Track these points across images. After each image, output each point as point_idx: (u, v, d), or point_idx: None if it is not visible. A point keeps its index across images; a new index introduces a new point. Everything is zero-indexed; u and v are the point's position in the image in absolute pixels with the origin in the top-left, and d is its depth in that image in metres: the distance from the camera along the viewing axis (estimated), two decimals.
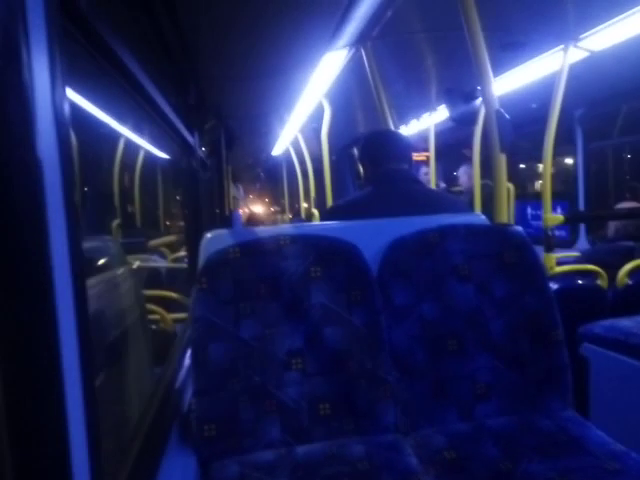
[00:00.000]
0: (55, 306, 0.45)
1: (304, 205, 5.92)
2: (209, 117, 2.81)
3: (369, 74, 2.21)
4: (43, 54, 0.45)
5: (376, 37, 2.04)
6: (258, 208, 10.84)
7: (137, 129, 3.27)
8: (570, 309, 1.76)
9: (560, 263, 2.33)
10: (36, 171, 0.43)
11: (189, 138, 1.88)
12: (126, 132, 3.22)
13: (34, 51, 0.43)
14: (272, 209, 10.08)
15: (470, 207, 2.90)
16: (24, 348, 0.43)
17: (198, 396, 1.06)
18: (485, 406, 1.16)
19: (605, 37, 2.07)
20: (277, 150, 6.08)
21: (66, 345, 0.46)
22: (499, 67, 2.44)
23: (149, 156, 4.20)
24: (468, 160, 3.55)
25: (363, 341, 1.13)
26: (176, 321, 2.21)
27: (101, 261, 1.02)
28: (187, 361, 1.39)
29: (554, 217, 2.26)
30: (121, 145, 3.41)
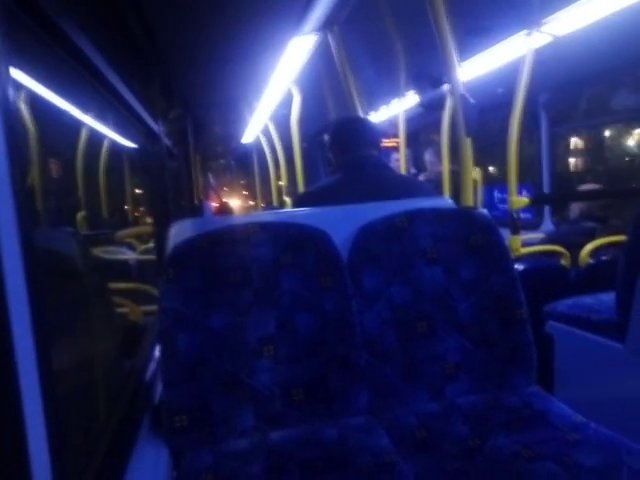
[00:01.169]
0: (6, 300, 0.44)
1: (275, 193, 5.88)
2: (175, 105, 2.74)
3: (337, 60, 2.20)
4: None
5: (343, 22, 2.03)
6: (234, 201, 10.28)
7: (101, 118, 3.16)
8: (535, 289, 1.81)
9: (526, 245, 2.39)
10: None
11: (154, 126, 1.84)
12: (89, 121, 3.11)
13: None
14: (251, 202, 9.42)
15: (436, 192, 2.94)
16: None
17: (168, 387, 1.05)
18: (455, 385, 1.19)
19: (567, 22, 2.11)
20: (247, 138, 6.01)
21: (21, 342, 0.45)
22: (465, 52, 2.46)
23: (115, 145, 4.07)
24: (435, 145, 3.58)
25: (335, 326, 1.14)
26: (146, 314, 2.18)
27: (61, 255, 0.99)
28: (157, 353, 1.37)
29: (519, 200, 2.31)
30: (84, 134, 3.29)
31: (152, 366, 1.26)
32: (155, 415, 1.07)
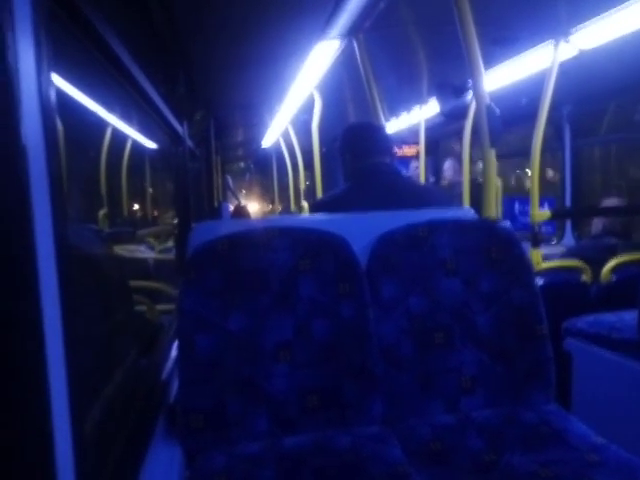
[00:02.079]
0: (40, 297, 0.44)
1: (294, 198, 5.90)
2: (199, 107, 2.78)
3: (361, 66, 2.21)
4: (28, 38, 0.44)
5: (368, 29, 2.03)
6: (252, 205, 10.05)
7: (126, 118, 3.21)
8: (555, 304, 1.78)
9: (546, 258, 2.36)
10: (21, 158, 0.42)
11: (178, 128, 1.86)
12: (114, 121, 3.17)
13: (19, 35, 0.42)
14: (271, 206, 9.11)
15: (455, 201, 2.91)
16: (8, 341, 0.42)
17: (184, 387, 1.05)
18: (470, 399, 1.17)
19: (595, 33, 2.08)
20: (267, 141, 6.04)
21: (51, 339, 0.46)
22: (490, 61, 2.45)
23: (138, 145, 4.14)
24: (455, 154, 3.56)
25: (351, 334, 1.13)
26: (163, 312, 2.20)
27: (83, 251, 1.01)
28: (174, 352, 1.38)
29: (541, 213, 2.28)
30: (109, 134, 3.35)
31: (169, 365, 1.27)
32: (170, 414, 1.08)
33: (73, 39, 0.83)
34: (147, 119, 2.01)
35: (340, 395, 1.10)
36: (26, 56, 0.43)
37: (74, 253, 0.86)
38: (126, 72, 1.11)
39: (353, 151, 1.67)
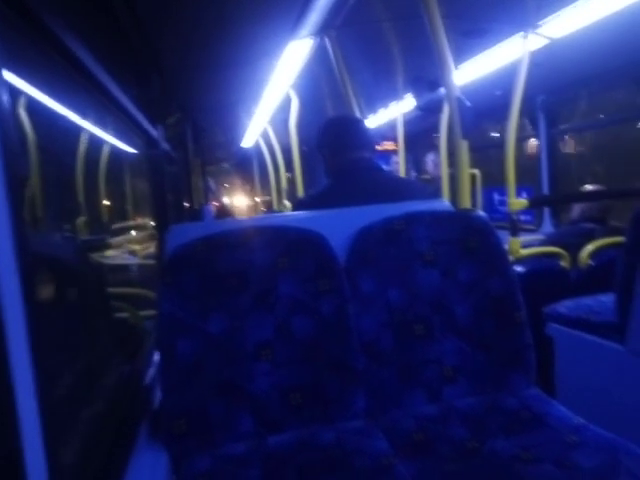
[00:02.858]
0: (3, 309, 0.44)
1: (276, 197, 5.88)
2: (174, 109, 2.75)
3: (334, 63, 2.21)
4: None
5: (340, 26, 2.04)
6: (239, 200, 9.73)
7: (100, 123, 3.17)
8: (535, 290, 1.81)
9: (525, 246, 2.39)
10: None
11: (152, 131, 1.84)
12: (88, 126, 3.12)
13: None
14: (257, 199, 8.72)
15: (439, 194, 2.94)
16: None
17: (166, 392, 1.05)
18: (452, 388, 1.18)
19: (563, 24, 2.11)
20: (247, 142, 6.02)
21: (16, 350, 0.45)
22: (461, 55, 2.47)
23: (115, 150, 4.08)
24: (437, 148, 3.59)
25: (332, 329, 1.14)
26: (147, 318, 2.18)
27: (58, 260, 1.00)
28: (156, 358, 1.37)
29: (518, 202, 2.31)
30: (83, 139, 3.30)
31: (151, 371, 1.26)
32: (154, 420, 1.07)
33: (33, 45, 0.82)
34: (122, 124, 1.98)
35: (322, 391, 1.11)
36: None
37: (45, 262, 0.85)
38: (92, 77, 1.09)
39: (332, 146, 1.64)
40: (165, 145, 2.07)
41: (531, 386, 1.21)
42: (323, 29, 2.03)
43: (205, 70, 2.49)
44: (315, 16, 1.85)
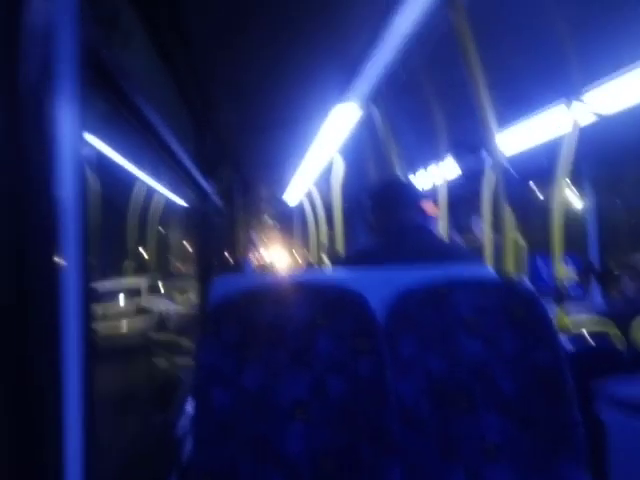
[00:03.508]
0: (63, 356, 0.46)
1: (316, 252, 5.95)
2: (225, 165, 2.90)
3: (379, 128, 2.29)
4: (67, 105, 0.48)
5: (386, 93, 2.13)
6: (278, 253, 9.35)
7: (155, 175, 3.37)
8: (584, 367, 1.71)
9: (573, 319, 2.28)
10: (52, 213, 0.45)
11: (205, 185, 1.94)
12: (145, 177, 3.33)
13: (58, 101, 0.46)
14: (295, 253, 8.21)
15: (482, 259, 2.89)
16: (30, 399, 0.44)
17: (199, 446, 1.03)
18: (495, 468, 1.11)
19: (608, 92, 2.12)
20: (290, 197, 6.19)
21: (70, 395, 0.47)
22: (503, 121, 2.51)
23: (165, 201, 4.31)
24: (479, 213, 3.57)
25: (368, 392, 1.10)
26: (182, 366, 2.19)
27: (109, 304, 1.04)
28: (189, 409, 1.36)
29: (565, 271, 2.24)
30: (138, 189, 3.51)
31: (184, 422, 1.25)
32: (183, 474, 1.05)
33: (110, 107, 0.90)
34: (176, 177, 2.10)
35: (356, 459, 1.06)
36: (64, 121, 0.47)
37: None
38: (160, 138, 1.19)
39: (382, 207, 1.66)
40: (215, 198, 2.17)
41: (583, 474, 1.11)
42: (371, 95, 2.12)
43: (256, 129, 2.64)
44: (365, 84, 1.95)
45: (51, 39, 0.45)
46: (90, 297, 0.53)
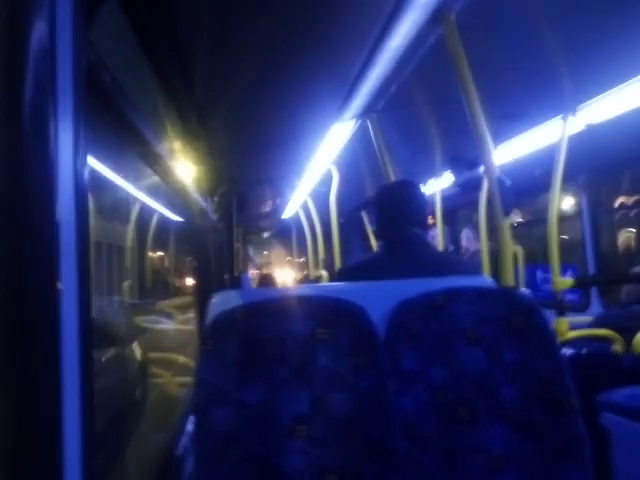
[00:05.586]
0: (61, 369, 0.46)
1: (313, 266, 5.95)
2: (222, 183, 2.92)
3: (375, 143, 2.32)
4: (68, 126, 0.49)
5: (381, 109, 2.16)
6: (283, 273, 8.82)
7: (152, 193, 3.39)
8: (585, 376, 1.70)
9: (573, 328, 2.28)
10: (52, 232, 0.46)
11: (202, 203, 1.95)
12: (141, 196, 3.34)
13: (60, 122, 0.47)
14: (304, 272, 7.68)
15: (478, 270, 2.90)
16: (27, 406, 0.44)
17: (200, 465, 1.02)
18: (500, 479, 1.09)
19: (602, 108, 2.16)
20: (287, 213, 6.22)
21: (69, 408, 0.47)
22: (499, 136, 2.54)
23: (162, 219, 4.32)
24: (473, 223, 3.60)
25: (370, 407, 1.10)
26: (181, 385, 2.17)
27: (107, 321, 1.04)
28: (190, 427, 1.35)
29: (564, 281, 2.24)
30: (136, 208, 3.52)
31: (184, 441, 1.24)
32: None
33: (110, 129, 0.92)
34: (174, 196, 2.11)
35: (359, 475, 1.05)
36: (65, 142, 0.48)
37: (98, 324, 0.89)
38: (159, 158, 1.20)
39: (386, 217, 1.64)
40: (212, 216, 2.18)
41: None
42: (366, 112, 2.15)
43: (253, 147, 2.66)
44: (359, 100, 1.98)
45: (51, 56, 0.46)
46: (90, 319, 0.53)
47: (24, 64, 0.44)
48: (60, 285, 0.46)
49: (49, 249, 0.45)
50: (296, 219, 6.10)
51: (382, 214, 1.67)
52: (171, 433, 1.29)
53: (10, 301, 0.43)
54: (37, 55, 0.45)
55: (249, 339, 1.13)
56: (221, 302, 1.23)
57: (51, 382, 0.45)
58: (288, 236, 7.63)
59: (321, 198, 4.08)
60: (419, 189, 1.73)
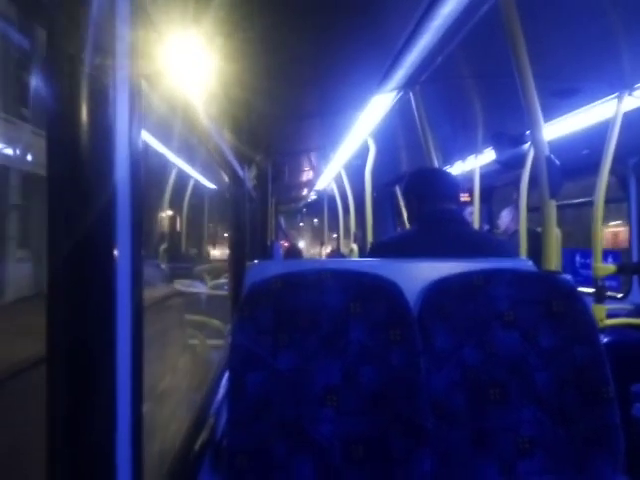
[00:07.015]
0: (116, 321, 0.49)
1: (344, 240, 5.95)
2: (259, 152, 2.93)
3: (416, 116, 2.25)
4: (124, 102, 0.51)
5: (425, 81, 2.09)
6: (308, 245, 9.50)
7: (190, 160, 3.43)
8: (621, 365, 1.66)
9: (611, 316, 2.22)
10: (110, 197, 0.48)
11: (239, 171, 1.96)
12: (179, 163, 3.39)
13: (118, 100, 0.50)
14: (323, 248, 8.00)
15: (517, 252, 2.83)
16: (85, 363, 0.47)
17: (232, 426, 1.06)
18: (528, 463, 1.09)
19: None
20: (320, 185, 6.19)
21: (121, 357, 0.50)
22: (550, 113, 2.43)
23: (198, 185, 4.38)
24: (513, 202, 3.49)
25: (400, 383, 1.11)
26: (213, 347, 2.24)
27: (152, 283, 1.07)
28: (222, 389, 1.40)
29: (605, 267, 2.17)
30: (173, 174, 3.58)
31: (217, 401, 1.29)
32: (217, 451, 1.09)
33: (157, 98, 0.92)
34: (211, 163, 2.13)
35: (387, 448, 1.07)
36: (122, 116, 0.50)
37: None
38: (199, 123, 1.21)
39: (418, 195, 1.65)
40: (249, 185, 2.19)
41: (618, 474, 1.09)
42: (408, 84, 2.09)
43: (291, 117, 2.64)
44: (402, 72, 1.92)
45: (114, 33, 0.48)
46: (141, 281, 0.56)
47: (85, 34, 0.46)
48: (116, 252, 0.49)
49: (108, 215, 0.48)
50: (328, 191, 6.07)
51: (414, 192, 1.68)
52: (205, 394, 1.34)
53: (70, 265, 0.46)
54: (98, 23, 0.46)
55: (284, 309, 1.15)
56: (258, 271, 1.25)
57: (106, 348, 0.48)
58: (320, 209, 7.63)
59: (355, 171, 4.03)
60: (449, 172, 1.86)
